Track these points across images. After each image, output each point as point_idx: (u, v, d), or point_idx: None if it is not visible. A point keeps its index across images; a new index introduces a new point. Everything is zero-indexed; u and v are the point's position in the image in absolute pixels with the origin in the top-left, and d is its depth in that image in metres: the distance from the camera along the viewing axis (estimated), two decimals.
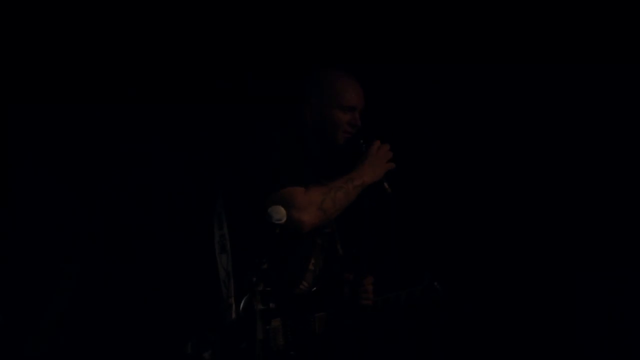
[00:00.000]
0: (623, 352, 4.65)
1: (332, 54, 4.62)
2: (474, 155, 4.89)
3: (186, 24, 4.64)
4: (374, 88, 3.89)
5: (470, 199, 4.87)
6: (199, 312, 3.51)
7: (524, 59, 4.78)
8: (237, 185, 3.62)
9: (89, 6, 4.49)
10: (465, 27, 4.81)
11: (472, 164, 4.89)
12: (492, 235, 4.81)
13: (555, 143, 4.82)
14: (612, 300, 4.66)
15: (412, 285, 3.81)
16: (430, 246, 4.73)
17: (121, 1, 4.54)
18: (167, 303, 4.49)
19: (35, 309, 4.40)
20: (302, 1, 4.70)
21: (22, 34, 4.45)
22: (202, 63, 4.68)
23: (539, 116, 4.84)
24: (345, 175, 3.65)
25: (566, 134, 4.81)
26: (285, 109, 3.85)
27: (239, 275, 3.40)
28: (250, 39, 4.71)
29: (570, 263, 4.74)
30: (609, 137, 4.75)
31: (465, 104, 4.90)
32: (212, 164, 4.43)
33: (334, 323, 3.63)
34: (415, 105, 4.90)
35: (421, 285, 3.81)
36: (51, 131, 4.56)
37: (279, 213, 3.12)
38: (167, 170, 4.68)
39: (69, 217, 4.56)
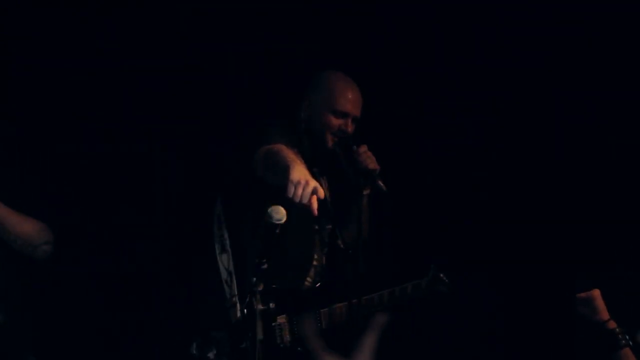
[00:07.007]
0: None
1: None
2: (474, 153, 4.90)
3: (189, 22, 4.65)
4: (372, 84, 3.90)
5: (470, 197, 4.88)
6: (203, 312, 3.53)
7: (522, 59, 4.80)
8: (234, 184, 3.64)
9: None
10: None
11: (472, 162, 4.90)
12: (491, 234, 4.82)
13: (555, 141, 4.84)
14: (611, 299, 4.66)
15: (417, 277, 3.82)
16: (433, 241, 4.73)
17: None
18: (171, 304, 4.51)
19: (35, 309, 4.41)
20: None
21: None
22: (204, 62, 4.70)
23: (539, 114, 4.85)
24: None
25: (566, 133, 4.82)
26: (286, 104, 3.87)
27: (241, 275, 3.40)
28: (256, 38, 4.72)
29: (570, 263, 4.75)
30: (609, 137, 4.77)
31: (464, 101, 4.92)
32: (211, 165, 4.45)
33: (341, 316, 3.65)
34: (413, 102, 4.91)
35: (427, 278, 3.82)
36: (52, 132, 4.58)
37: (279, 213, 3.12)
38: (168, 172, 4.69)
39: (71, 221, 4.56)
